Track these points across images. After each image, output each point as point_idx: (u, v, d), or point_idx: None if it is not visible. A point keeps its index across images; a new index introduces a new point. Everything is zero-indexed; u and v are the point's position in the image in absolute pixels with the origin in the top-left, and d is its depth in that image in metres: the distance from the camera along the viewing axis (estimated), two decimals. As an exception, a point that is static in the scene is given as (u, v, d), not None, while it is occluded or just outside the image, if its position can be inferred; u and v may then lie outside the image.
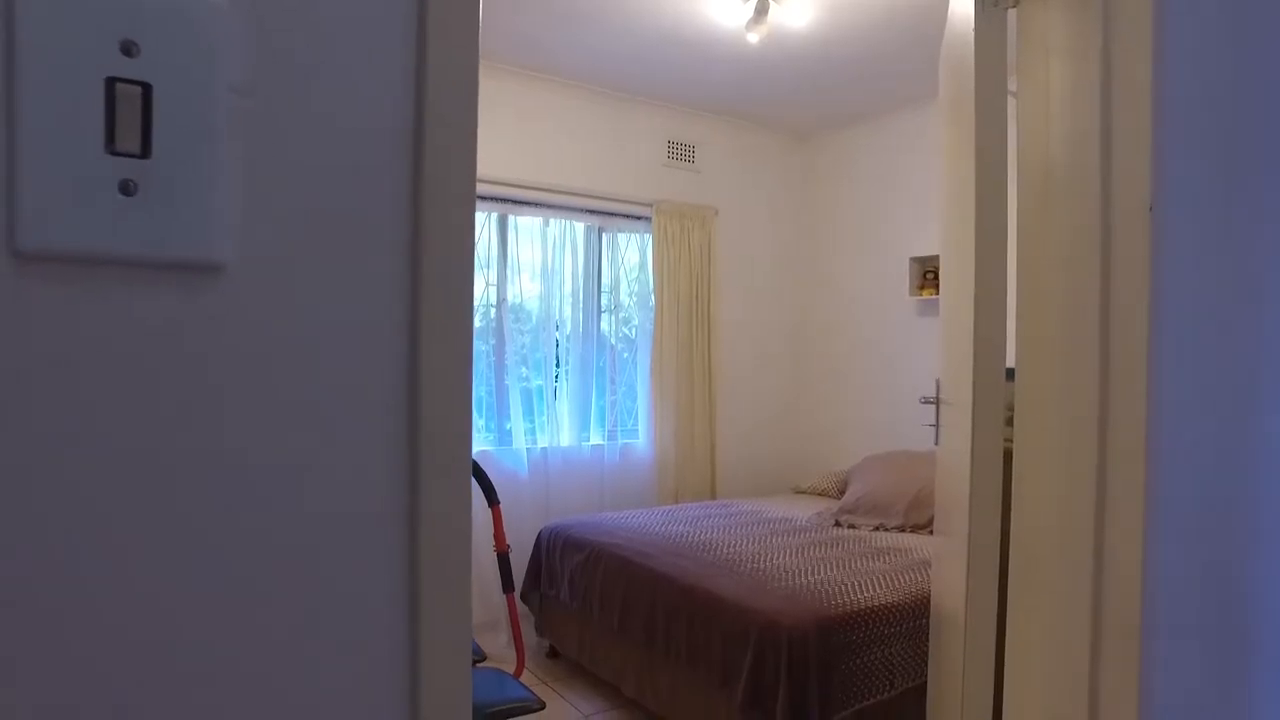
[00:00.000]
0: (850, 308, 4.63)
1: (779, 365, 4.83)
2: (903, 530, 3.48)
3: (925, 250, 4.21)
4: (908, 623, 2.58)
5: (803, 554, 3.02)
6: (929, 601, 2.66)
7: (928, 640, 2.63)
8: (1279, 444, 1.33)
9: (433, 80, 0.48)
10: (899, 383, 4.30)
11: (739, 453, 4.57)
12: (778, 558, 2.96)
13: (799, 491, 4.39)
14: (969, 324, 1.60)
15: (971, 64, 1.45)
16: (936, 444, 2.04)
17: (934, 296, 4.16)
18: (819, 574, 2.77)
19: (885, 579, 2.74)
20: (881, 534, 3.42)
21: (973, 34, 1.37)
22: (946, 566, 1.78)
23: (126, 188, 0.40)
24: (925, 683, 2.60)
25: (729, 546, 3.10)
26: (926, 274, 4.26)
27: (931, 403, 2.03)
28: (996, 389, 1.30)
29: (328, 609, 0.44)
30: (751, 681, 2.39)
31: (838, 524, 3.60)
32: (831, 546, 3.15)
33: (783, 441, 4.81)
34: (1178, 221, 1.19)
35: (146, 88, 0.40)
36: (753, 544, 3.14)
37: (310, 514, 0.44)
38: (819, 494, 4.22)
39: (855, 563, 2.93)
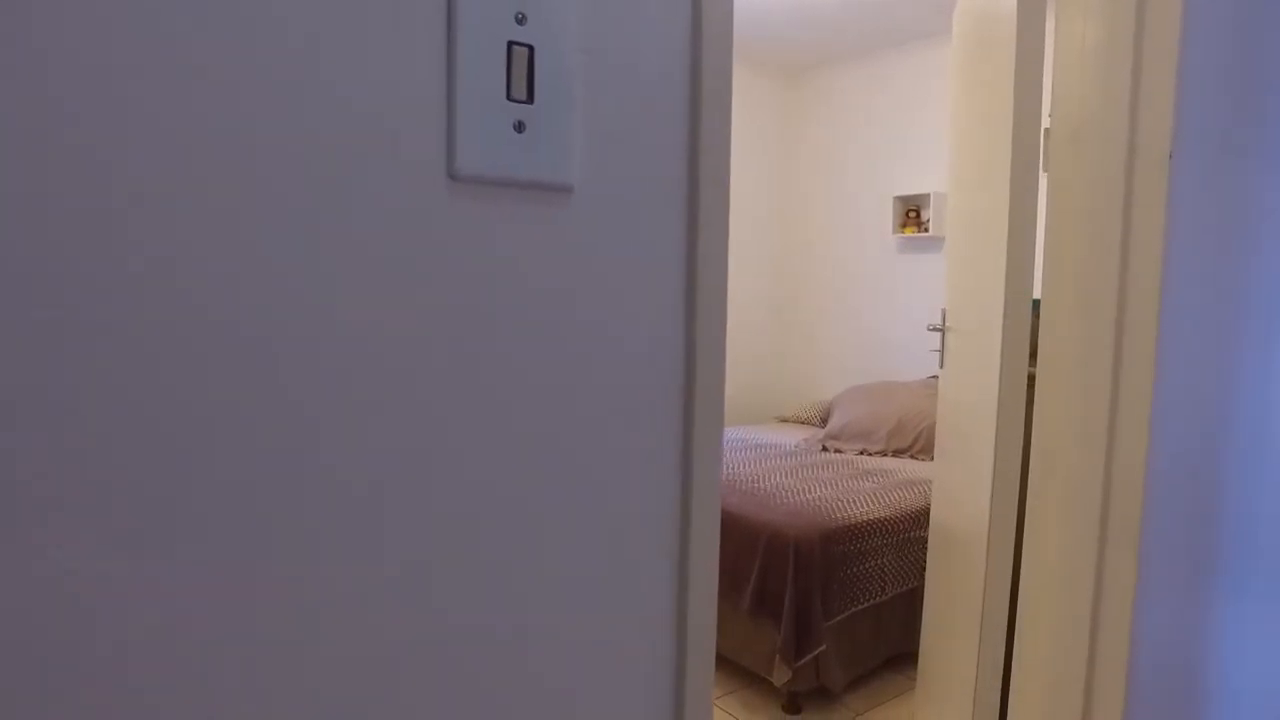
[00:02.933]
0: (833, 245, 4.79)
1: (762, 300, 4.99)
2: (885, 454, 3.71)
3: (908, 189, 4.37)
4: (897, 535, 2.81)
5: (796, 475, 3.23)
6: (915, 517, 2.89)
7: (913, 551, 2.87)
8: (1259, 369, 1.52)
9: (707, 44, 0.61)
10: (880, 316, 4.49)
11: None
12: (774, 478, 3.16)
13: (783, 420, 4.60)
14: (976, 256, 1.76)
15: (999, 13, 1.59)
16: (941, 367, 2.23)
17: (916, 234, 4.33)
18: (814, 492, 2.97)
19: (875, 497, 2.95)
20: (866, 458, 3.65)
21: (1010, -11, 1.50)
22: (958, 484, 1.97)
23: (519, 127, 0.53)
24: (911, 589, 2.85)
25: (728, 468, 3.29)
26: (909, 212, 4.42)
27: (938, 330, 2.21)
28: (1024, 316, 1.47)
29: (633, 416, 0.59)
30: (759, 587, 2.60)
31: (824, 449, 3.82)
32: (822, 469, 3.37)
33: (766, 373, 5.01)
34: (1191, 167, 1.35)
35: (531, 49, 0.53)
36: (749, 466, 3.34)
37: (620, 363, 0.59)
38: (802, 422, 4.44)
39: (845, 483, 3.14)
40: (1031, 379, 1.55)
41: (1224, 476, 1.54)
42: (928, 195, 4.26)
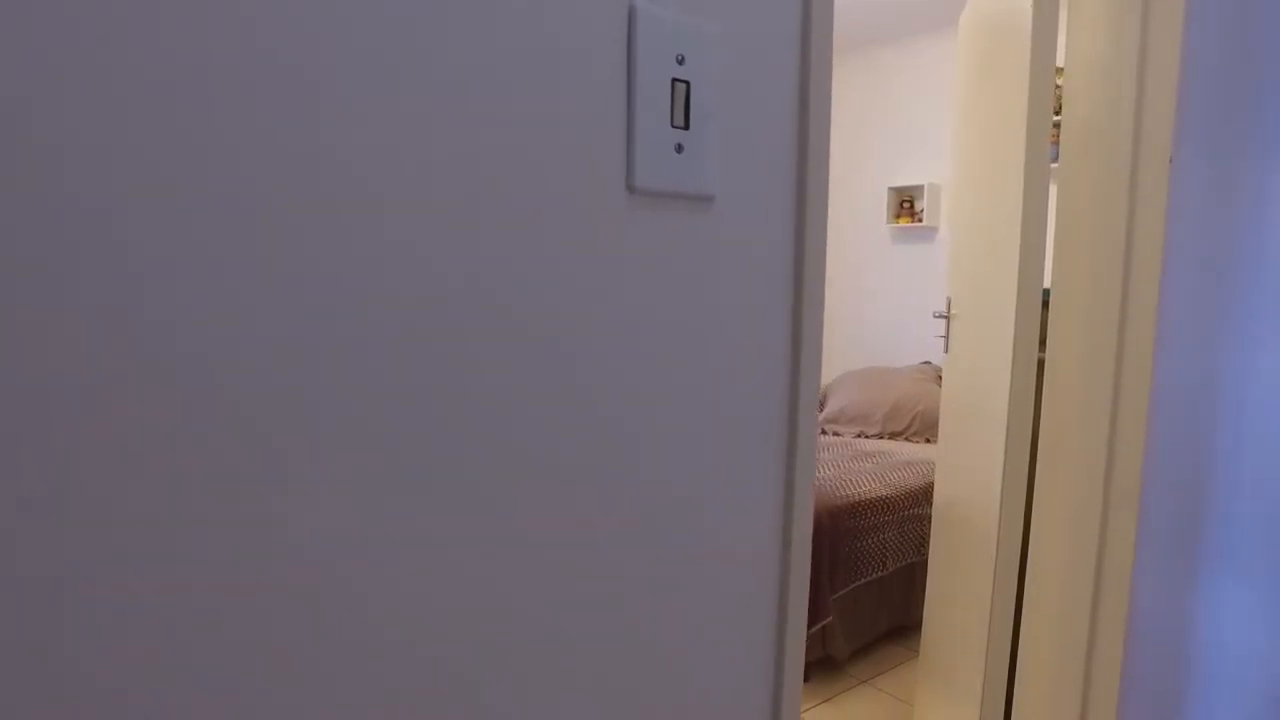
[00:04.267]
0: (828, 234, 4.92)
1: (759, 287, 5.12)
2: (881, 437, 3.86)
3: (903, 181, 4.50)
4: (898, 513, 2.96)
5: (799, 456, 3.36)
6: (914, 495, 3.04)
7: (913, 528, 3.01)
8: (1243, 354, 1.66)
9: (813, 77, 0.73)
10: (874, 304, 4.63)
11: (722, 369, 4.89)
12: (778, 459, 3.29)
13: (779, 404, 4.74)
14: (982, 247, 1.89)
15: (1010, 19, 1.71)
16: (945, 353, 2.36)
17: (909, 224, 4.47)
18: (818, 472, 3.11)
19: (876, 476, 3.09)
20: (864, 440, 3.79)
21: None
22: (964, 463, 2.11)
23: (678, 148, 0.64)
24: (910, 564, 2.99)
25: (732, 450, 3.42)
26: (902, 203, 4.56)
27: (944, 317, 2.34)
28: (1036, 305, 1.60)
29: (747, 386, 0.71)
30: (768, 561, 2.73)
31: (823, 432, 3.97)
32: (823, 450, 3.50)
33: (762, 359, 5.14)
34: (1189, 170, 1.49)
35: (688, 84, 0.64)
36: (752, 448, 3.47)
37: (744, 338, 0.71)
38: (798, 407, 4.58)
39: (846, 464, 3.28)
40: (1039, 363, 1.68)
41: (1212, 450, 1.68)
42: (922, 186, 4.40)
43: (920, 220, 4.43)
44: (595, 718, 0.64)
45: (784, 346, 0.75)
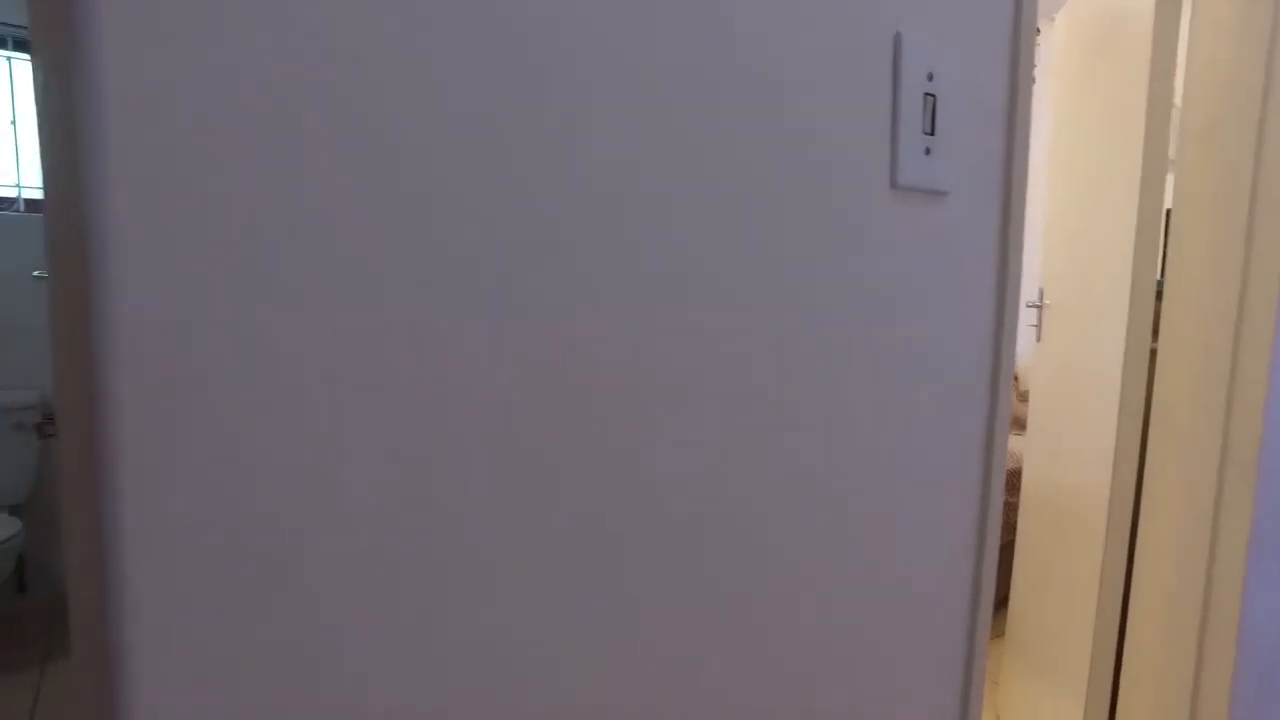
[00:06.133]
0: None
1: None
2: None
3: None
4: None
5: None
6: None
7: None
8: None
9: (1019, 87, 0.83)
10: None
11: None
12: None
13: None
14: (1083, 239, 1.97)
15: (1123, 13, 1.79)
16: (1038, 342, 2.44)
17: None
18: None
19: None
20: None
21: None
22: (1058, 452, 2.19)
23: (927, 151, 0.75)
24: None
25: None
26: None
27: (1035, 306, 2.42)
28: (1149, 296, 1.68)
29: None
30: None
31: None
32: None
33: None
34: (1308, 165, 1.55)
35: (935, 98, 0.75)
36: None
37: (963, 307, 0.81)
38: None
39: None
40: (1151, 353, 1.76)
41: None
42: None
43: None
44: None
45: (991, 314, 0.85)
